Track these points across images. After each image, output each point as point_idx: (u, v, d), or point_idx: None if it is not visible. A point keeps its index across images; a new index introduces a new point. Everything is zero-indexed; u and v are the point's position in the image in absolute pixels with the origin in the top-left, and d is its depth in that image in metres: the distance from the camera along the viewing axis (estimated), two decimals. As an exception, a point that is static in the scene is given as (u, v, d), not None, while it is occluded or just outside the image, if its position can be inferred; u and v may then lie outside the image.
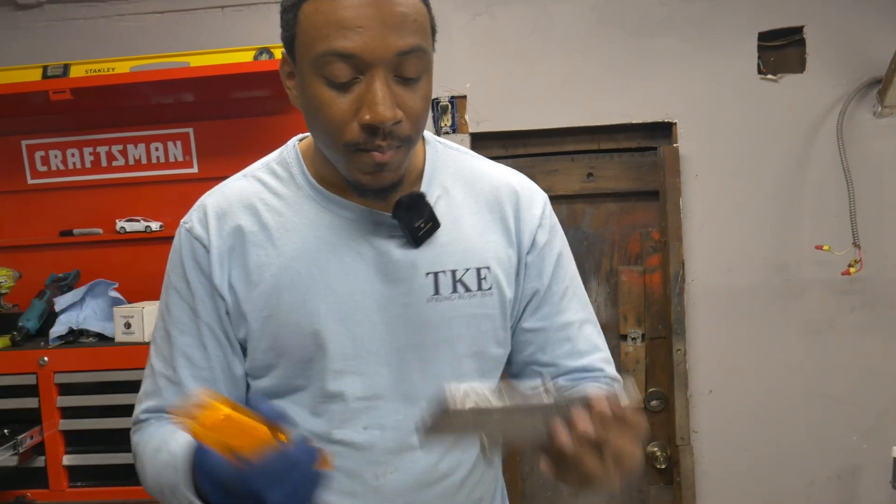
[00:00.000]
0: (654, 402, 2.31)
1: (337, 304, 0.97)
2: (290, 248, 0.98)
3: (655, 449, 2.32)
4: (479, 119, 2.27)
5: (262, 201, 1.01)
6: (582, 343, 1.08)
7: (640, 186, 2.28)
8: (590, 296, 2.35)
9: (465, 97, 2.26)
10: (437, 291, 0.99)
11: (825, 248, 2.13)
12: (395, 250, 0.98)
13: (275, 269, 0.98)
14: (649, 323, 2.30)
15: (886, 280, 2.21)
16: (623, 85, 2.23)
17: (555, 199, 2.52)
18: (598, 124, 2.25)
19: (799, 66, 2.21)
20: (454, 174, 1.06)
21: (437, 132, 2.24)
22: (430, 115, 2.26)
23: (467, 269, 1.01)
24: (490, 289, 1.01)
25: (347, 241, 0.98)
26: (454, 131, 2.26)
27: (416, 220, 0.97)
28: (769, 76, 2.20)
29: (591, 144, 2.29)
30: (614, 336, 2.32)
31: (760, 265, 2.24)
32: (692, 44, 2.21)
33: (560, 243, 1.10)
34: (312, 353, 0.98)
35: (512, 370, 1.11)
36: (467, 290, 1.00)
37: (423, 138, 1.08)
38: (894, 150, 2.19)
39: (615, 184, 2.28)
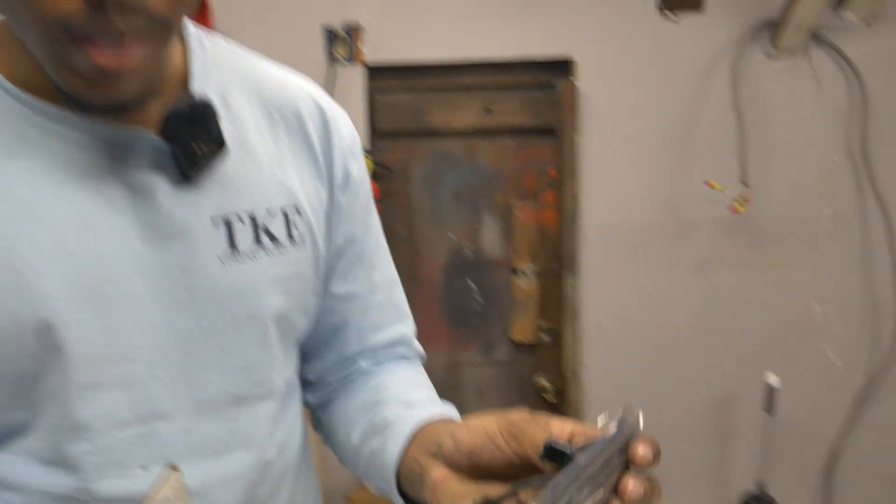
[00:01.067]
0: (544, 337, 2.36)
1: (76, 279, 0.63)
2: None
3: (545, 381, 2.39)
4: (376, 50, 2.21)
5: None
6: (391, 310, 0.89)
7: (538, 123, 2.27)
8: (484, 232, 2.38)
9: (361, 27, 2.19)
10: (232, 246, 0.71)
11: (714, 185, 2.17)
12: (162, 189, 0.67)
13: None
14: (543, 259, 2.34)
15: (771, 218, 2.27)
16: (523, 19, 2.19)
17: (452, 135, 2.53)
18: (498, 58, 2.22)
19: (696, 4, 2.21)
20: (234, 79, 0.76)
21: (332, 62, 2.18)
22: (323, 43, 2.19)
23: (271, 213, 0.74)
24: (302, 239, 0.76)
25: (83, 180, 0.64)
26: (349, 61, 2.20)
27: (196, 141, 0.67)
28: (668, 14, 2.19)
29: (490, 79, 2.26)
30: (507, 271, 2.35)
31: (653, 203, 2.28)
32: (593, -23, 2.18)
33: (368, 181, 0.87)
34: (39, 362, 0.63)
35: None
36: (274, 241, 0.74)
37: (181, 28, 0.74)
38: (785, 91, 2.23)
39: (513, 119, 2.27)
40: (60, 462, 0.66)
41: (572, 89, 2.20)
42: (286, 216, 0.75)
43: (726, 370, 2.37)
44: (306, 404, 0.91)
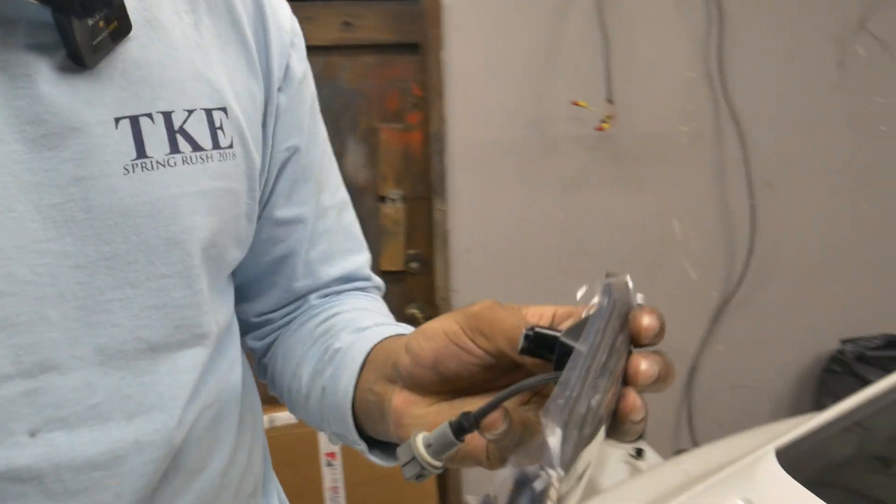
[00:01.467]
0: (413, 265, 2.28)
1: None
2: None
3: (415, 310, 2.31)
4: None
5: None
6: (344, 238, 0.75)
7: (401, 38, 2.14)
8: (347, 157, 2.24)
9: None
10: (142, 152, 0.55)
11: (581, 104, 2.14)
12: (46, 76, 0.52)
13: None
14: (409, 183, 2.24)
15: (634, 137, 2.28)
16: (381, -76, 2.05)
17: (309, 51, 2.34)
18: (355, -33, 2.07)
19: (561, -86, 2.14)
20: None
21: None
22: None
23: (190, 112, 0.58)
24: (231, 146, 0.61)
25: None
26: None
27: (89, 11, 0.51)
28: (531, -77, 2.11)
29: (348, -10, 2.11)
30: (373, 198, 2.24)
31: (519, 122, 2.22)
32: None
33: (312, 82, 0.73)
34: None
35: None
36: (196, 147, 0.58)
37: None
38: (646, 8, 2.22)
39: (374, 34, 2.13)
40: None
41: (436, 2, 2.09)
42: (210, 118, 0.59)
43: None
44: (250, 351, 0.77)
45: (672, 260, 2.40)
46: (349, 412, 0.58)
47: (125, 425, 0.56)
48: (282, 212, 0.70)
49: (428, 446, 0.45)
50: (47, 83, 0.51)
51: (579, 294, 0.46)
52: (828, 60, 2.39)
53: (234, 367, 0.68)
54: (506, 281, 2.31)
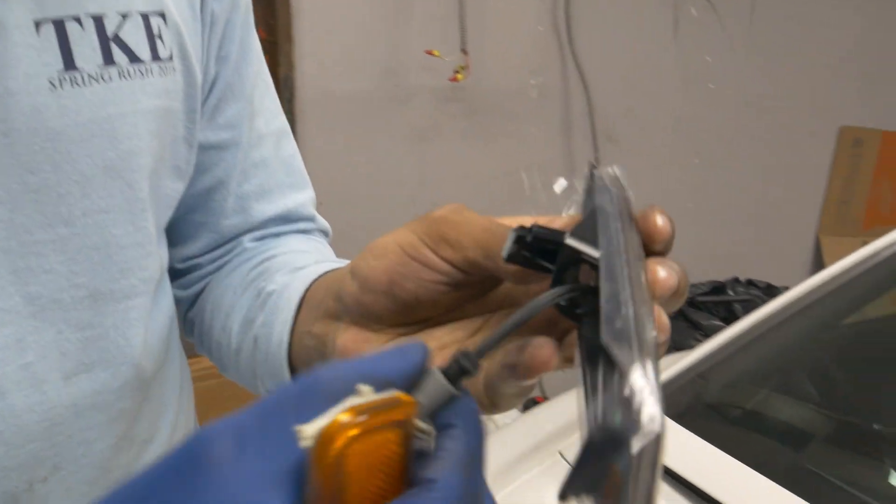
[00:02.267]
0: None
1: None
2: None
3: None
4: None
5: None
6: (283, 171, 0.65)
7: (245, -24, 2.00)
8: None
9: None
10: (70, 64, 0.47)
11: (435, 53, 2.09)
12: None
13: None
14: (258, 132, 2.11)
15: (484, 88, 2.26)
16: None
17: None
18: None
19: None
20: None
21: None
22: None
23: (125, 16, 0.49)
24: (171, 58, 0.52)
25: None
26: None
27: None
28: None
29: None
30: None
31: (371, 70, 2.15)
32: None
33: None
34: None
35: None
36: (133, 58, 0.50)
37: None
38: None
39: (216, -30, 1.98)
40: None
41: (284, -62, 1.96)
42: (147, 24, 0.50)
43: (446, 244, 2.36)
44: (175, 301, 0.66)
45: (520, 211, 2.40)
46: (285, 363, 0.50)
47: (62, 387, 0.48)
48: (206, 134, 0.59)
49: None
50: None
51: (558, 187, 0.38)
52: (665, 20, 2.48)
53: (173, 320, 0.60)
54: (357, 234, 2.23)
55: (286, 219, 0.65)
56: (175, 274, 0.65)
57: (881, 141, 2.96)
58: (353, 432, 0.27)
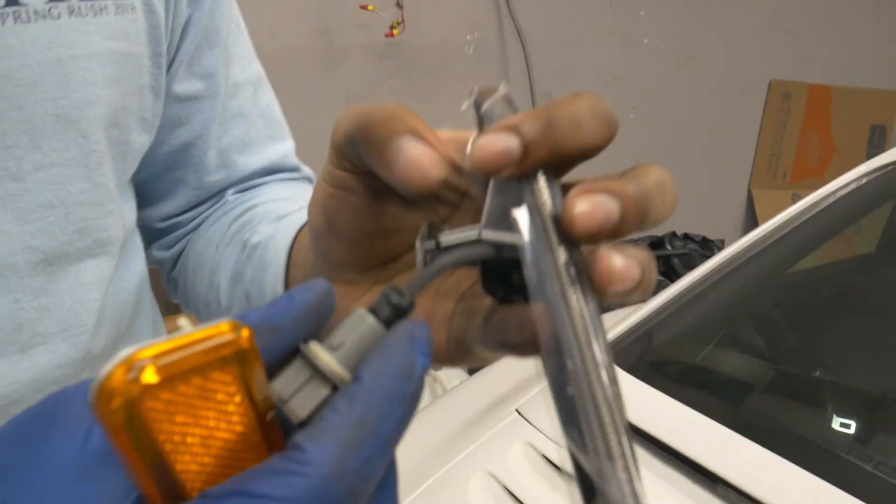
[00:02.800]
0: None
1: None
2: None
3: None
4: None
5: None
6: (262, 122, 0.61)
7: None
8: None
9: None
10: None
11: (370, 7, 2.02)
12: None
13: None
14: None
15: (420, 45, 2.21)
16: None
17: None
18: None
19: None
20: None
21: None
22: None
23: None
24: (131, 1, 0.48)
25: None
26: None
27: None
28: None
29: None
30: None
31: (304, 27, 2.07)
32: None
33: None
34: None
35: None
36: None
37: None
38: None
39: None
40: None
41: None
42: None
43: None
44: (156, 264, 0.62)
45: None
46: None
47: (18, 360, 0.44)
48: (182, 85, 0.54)
49: (336, 349, 0.26)
50: None
51: (465, 106, 0.33)
52: (601, -27, 2.46)
53: (143, 283, 0.55)
54: (294, 200, 2.18)
55: (269, 171, 0.61)
56: (156, 234, 0.61)
57: (808, 94, 3.02)
58: (143, 382, 0.20)
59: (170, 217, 0.60)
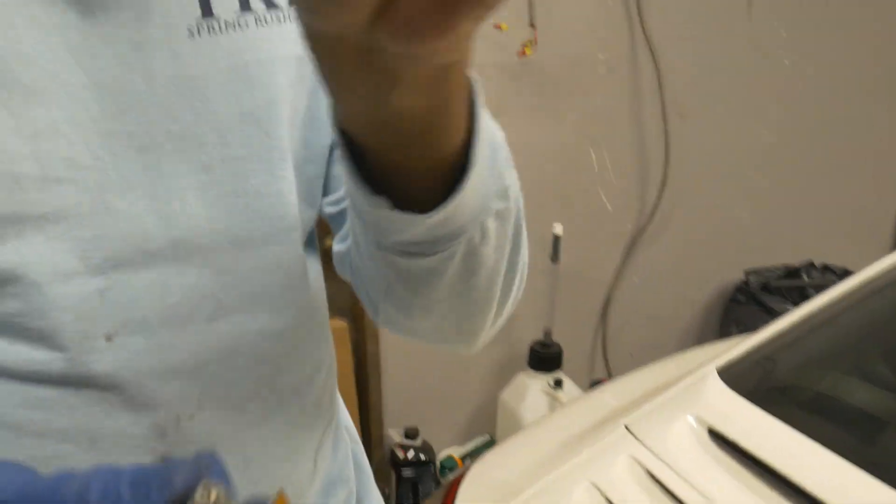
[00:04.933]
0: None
1: None
2: None
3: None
4: None
5: None
6: None
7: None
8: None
9: None
10: (207, 11, 0.48)
11: (503, 27, 2.06)
12: None
13: None
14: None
15: (555, 63, 2.23)
16: None
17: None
18: None
19: None
20: None
21: None
22: None
23: None
24: None
25: None
26: None
27: None
28: None
29: None
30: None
31: (438, 46, 2.13)
32: None
33: None
34: None
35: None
36: (270, 4, 0.51)
37: None
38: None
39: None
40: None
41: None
42: None
43: (511, 222, 2.34)
44: (337, 262, 0.64)
45: (589, 190, 2.39)
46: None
47: (206, 328, 0.49)
48: None
49: None
50: None
51: None
52: (739, -9, 2.40)
53: (318, 280, 0.60)
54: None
55: None
56: (332, 224, 0.64)
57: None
58: None
59: (340, 200, 0.62)
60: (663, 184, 2.41)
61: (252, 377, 0.53)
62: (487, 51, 2.13)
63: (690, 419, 1.20)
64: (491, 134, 0.45)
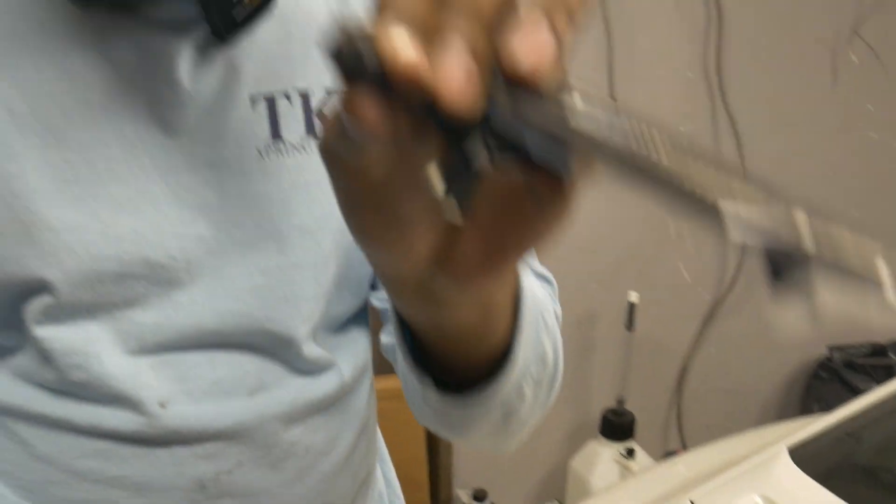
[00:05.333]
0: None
1: (67, 169, 0.48)
2: None
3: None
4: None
5: None
6: None
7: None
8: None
9: None
10: (276, 134, 0.53)
11: (582, 100, 2.12)
12: (185, 54, 0.49)
13: None
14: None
15: (632, 135, 2.27)
16: None
17: None
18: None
19: None
20: None
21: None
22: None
23: (329, 92, 0.56)
24: None
25: (79, 31, 0.47)
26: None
27: None
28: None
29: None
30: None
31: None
32: None
33: None
34: (22, 264, 0.48)
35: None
36: None
37: None
38: (648, 5, 2.21)
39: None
40: (64, 390, 0.52)
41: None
42: None
43: (587, 288, 2.36)
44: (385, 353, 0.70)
45: (666, 259, 2.39)
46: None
47: (248, 400, 0.56)
48: None
49: None
50: (186, 63, 0.49)
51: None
52: (822, 66, 2.40)
53: (362, 349, 0.66)
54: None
55: None
56: (381, 315, 0.69)
57: None
58: None
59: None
60: (742, 254, 2.39)
61: (288, 439, 0.58)
62: (567, 121, 2.19)
63: (757, 498, 1.19)
64: (534, 301, 0.49)
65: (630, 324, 2.22)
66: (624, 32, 2.19)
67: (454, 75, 0.25)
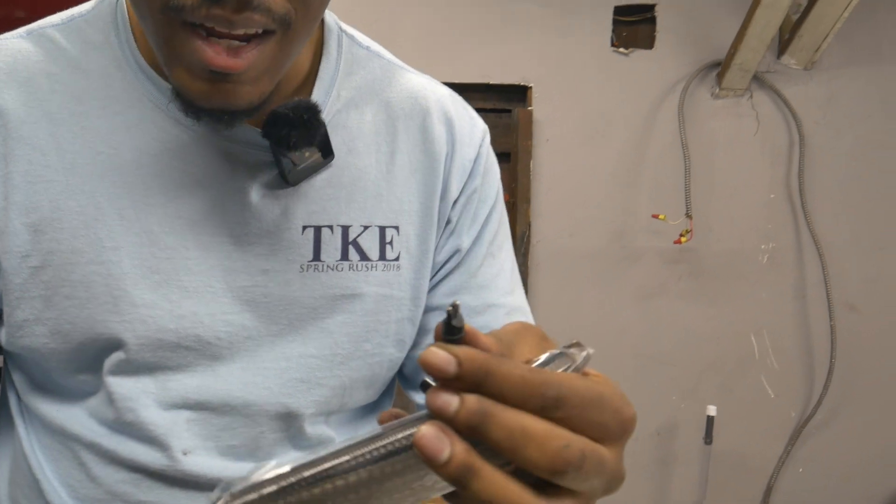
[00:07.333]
0: (493, 359, 2.36)
1: (154, 260, 0.65)
2: (87, 157, 0.64)
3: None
4: (338, 67, 2.23)
5: (48, 76, 0.64)
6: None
7: (495, 148, 2.30)
8: (438, 252, 2.37)
9: (324, 44, 2.22)
10: (317, 256, 0.69)
11: (661, 217, 2.24)
12: (257, 188, 0.66)
13: (56, 190, 0.63)
14: (494, 281, 2.35)
15: (711, 251, 2.35)
16: (483, 45, 2.26)
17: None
18: (458, 82, 2.26)
19: (649, 42, 2.31)
20: (363, 84, 0.73)
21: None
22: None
23: (366, 228, 0.70)
24: (397, 258, 0.72)
25: (182, 164, 0.64)
26: (311, 77, 2.21)
27: (298, 146, 0.63)
28: (621, 49, 2.28)
29: (448, 102, 2.30)
30: (459, 293, 2.36)
31: (601, 231, 2.33)
32: (552, 10, 2.26)
33: (493, 194, 0.80)
34: (109, 327, 0.64)
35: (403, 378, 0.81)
36: (364, 257, 0.70)
37: (323, 23, 0.72)
38: (727, 129, 2.33)
39: (469, 143, 2.30)
40: (118, 429, 0.67)
41: (528, 115, 2.26)
42: (382, 234, 0.71)
43: (667, 399, 2.40)
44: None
45: (750, 375, 2.41)
46: None
47: (253, 462, 0.69)
48: (431, 300, 0.76)
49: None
50: (257, 194, 0.66)
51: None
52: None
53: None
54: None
55: None
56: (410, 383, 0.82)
57: None
58: None
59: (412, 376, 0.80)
60: (830, 374, 2.38)
61: None
62: (646, 237, 2.31)
63: None
64: None
65: (708, 437, 2.24)
66: (703, 154, 2.31)
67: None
